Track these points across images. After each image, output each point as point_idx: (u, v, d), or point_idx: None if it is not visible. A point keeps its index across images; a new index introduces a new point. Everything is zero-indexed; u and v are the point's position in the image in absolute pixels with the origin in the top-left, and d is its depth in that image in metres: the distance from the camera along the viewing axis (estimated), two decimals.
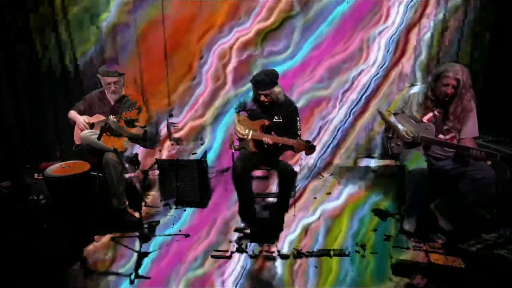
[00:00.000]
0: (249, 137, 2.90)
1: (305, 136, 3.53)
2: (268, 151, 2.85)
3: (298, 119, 2.94)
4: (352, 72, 3.77)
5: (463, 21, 3.52)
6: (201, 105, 3.91)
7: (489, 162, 2.65)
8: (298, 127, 2.93)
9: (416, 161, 2.66)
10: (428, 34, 3.62)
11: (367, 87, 3.74)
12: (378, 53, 3.70)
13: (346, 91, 3.81)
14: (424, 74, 3.66)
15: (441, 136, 2.70)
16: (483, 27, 3.50)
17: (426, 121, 2.73)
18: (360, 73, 3.76)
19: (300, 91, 3.82)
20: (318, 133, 3.82)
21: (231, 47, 3.79)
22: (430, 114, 2.74)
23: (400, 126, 2.75)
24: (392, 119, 2.82)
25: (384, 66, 3.70)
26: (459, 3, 3.49)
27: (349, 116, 3.82)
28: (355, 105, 3.79)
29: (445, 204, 2.83)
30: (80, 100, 3.24)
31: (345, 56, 3.74)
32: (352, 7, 3.60)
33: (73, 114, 3.14)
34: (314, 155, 3.00)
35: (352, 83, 3.79)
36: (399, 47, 3.67)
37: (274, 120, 2.91)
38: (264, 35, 3.76)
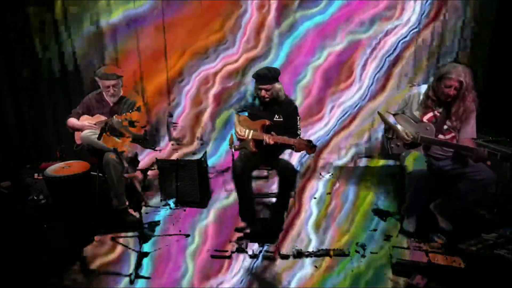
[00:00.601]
0: (250, 136, 2.90)
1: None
2: (268, 150, 2.85)
3: (298, 118, 2.95)
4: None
5: (463, 21, 3.52)
6: (252, 35, 3.83)
7: (489, 163, 2.65)
8: (299, 126, 2.93)
9: (416, 161, 2.66)
10: None
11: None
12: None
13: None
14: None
15: (441, 136, 2.70)
16: (483, 27, 3.50)
17: (426, 121, 2.73)
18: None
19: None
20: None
21: None
22: (430, 114, 2.73)
23: (400, 127, 2.75)
24: (392, 120, 2.82)
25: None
26: (459, 3, 3.49)
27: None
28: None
29: (445, 204, 2.83)
30: (78, 105, 3.22)
31: None
32: None
33: (73, 122, 3.13)
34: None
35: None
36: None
37: (274, 119, 2.92)
38: None
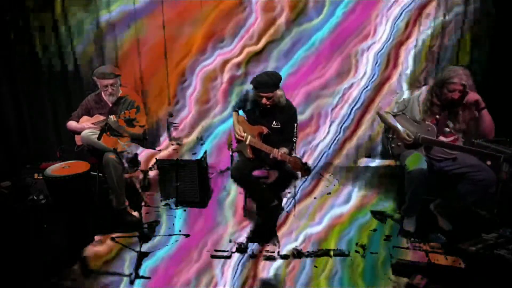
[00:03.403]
0: (247, 142, 2.88)
1: None
2: (265, 158, 2.83)
3: (295, 125, 2.90)
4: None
5: (463, 21, 3.52)
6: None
7: (488, 162, 2.65)
8: (295, 133, 2.89)
9: (416, 161, 2.65)
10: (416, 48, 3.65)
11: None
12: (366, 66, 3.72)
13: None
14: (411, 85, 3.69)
15: (442, 138, 2.69)
16: (483, 27, 3.50)
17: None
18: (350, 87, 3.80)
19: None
20: None
21: None
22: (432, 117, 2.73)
23: (400, 128, 2.75)
24: (392, 120, 2.81)
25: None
26: (459, 3, 3.49)
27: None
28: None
29: (444, 205, 2.83)
30: (77, 108, 3.23)
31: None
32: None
33: (73, 125, 3.13)
34: None
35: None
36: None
37: (272, 125, 2.87)
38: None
